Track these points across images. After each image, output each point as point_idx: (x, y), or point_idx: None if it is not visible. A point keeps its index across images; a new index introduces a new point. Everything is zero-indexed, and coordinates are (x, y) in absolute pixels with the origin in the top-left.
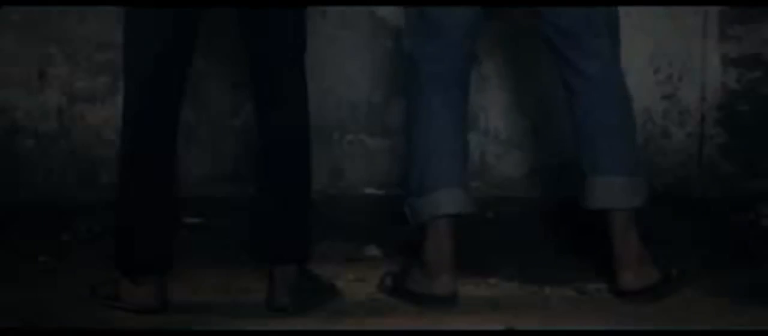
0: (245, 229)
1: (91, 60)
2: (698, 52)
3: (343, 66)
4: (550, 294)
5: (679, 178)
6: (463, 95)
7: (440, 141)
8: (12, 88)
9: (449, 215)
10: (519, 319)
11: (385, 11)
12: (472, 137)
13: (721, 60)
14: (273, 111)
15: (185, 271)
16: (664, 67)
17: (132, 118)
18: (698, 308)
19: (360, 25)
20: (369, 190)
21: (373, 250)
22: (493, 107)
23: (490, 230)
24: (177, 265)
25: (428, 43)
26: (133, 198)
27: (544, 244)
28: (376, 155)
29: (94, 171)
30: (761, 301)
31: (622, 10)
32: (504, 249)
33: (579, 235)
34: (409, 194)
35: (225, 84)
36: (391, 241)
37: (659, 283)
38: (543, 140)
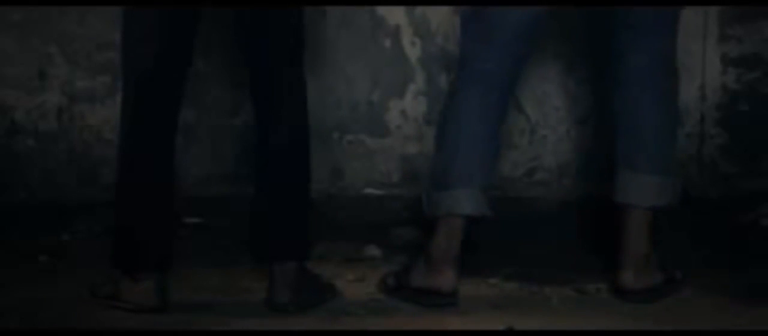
0: (245, 229)
1: (91, 60)
2: (698, 52)
3: (343, 66)
4: (550, 294)
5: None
6: (505, 98)
7: (471, 139)
8: (12, 88)
9: (464, 215)
10: (519, 319)
11: (384, 11)
12: None
13: (721, 60)
14: (272, 111)
15: (185, 271)
16: None
17: (130, 118)
18: (698, 308)
19: (360, 25)
20: (369, 190)
21: (373, 250)
22: None
23: (490, 230)
24: (177, 265)
25: (480, 43)
26: (133, 197)
27: (544, 244)
28: (376, 155)
29: (94, 171)
30: (761, 301)
31: None
32: (504, 249)
33: (579, 235)
34: (430, 184)
35: (225, 84)
36: (391, 242)
37: (660, 285)
38: (542, 140)
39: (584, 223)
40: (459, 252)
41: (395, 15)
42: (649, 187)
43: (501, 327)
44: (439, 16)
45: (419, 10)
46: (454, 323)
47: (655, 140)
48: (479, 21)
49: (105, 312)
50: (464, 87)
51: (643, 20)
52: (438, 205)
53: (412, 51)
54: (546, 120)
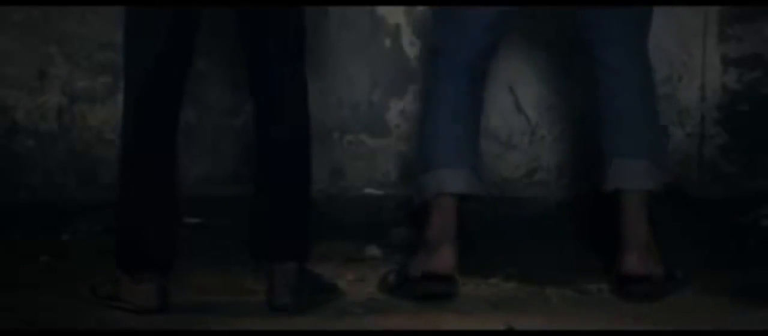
0: (245, 229)
1: (91, 60)
2: (698, 52)
3: (344, 66)
4: (550, 294)
5: (679, 178)
6: (479, 86)
7: (451, 125)
8: (12, 88)
9: (454, 194)
10: (519, 319)
11: (384, 11)
12: None
13: (721, 60)
14: (272, 111)
15: (185, 271)
16: (664, 67)
17: (132, 118)
18: (698, 308)
19: (360, 25)
20: (369, 190)
21: (373, 250)
22: (492, 107)
23: (490, 230)
24: (177, 265)
25: (449, 37)
26: (134, 197)
27: (544, 244)
28: (376, 155)
29: (94, 171)
30: (761, 301)
31: None
32: (504, 249)
33: (579, 235)
34: (418, 172)
35: (225, 84)
36: (391, 241)
37: (661, 278)
38: (542, 140)
39: (584, 223)
40: (456, 233)
41: (395, 15)
42: (637, 171)
43: (501, 327)
44: None
45: (419, 10)
46: (453, 323)
47: (637, 125)
48: (450, 17)
49: (105, 312)
50: (439, 80)
51: (612, 22)
52: (426, 187)
53: (412, 51)
54: (545, 120)
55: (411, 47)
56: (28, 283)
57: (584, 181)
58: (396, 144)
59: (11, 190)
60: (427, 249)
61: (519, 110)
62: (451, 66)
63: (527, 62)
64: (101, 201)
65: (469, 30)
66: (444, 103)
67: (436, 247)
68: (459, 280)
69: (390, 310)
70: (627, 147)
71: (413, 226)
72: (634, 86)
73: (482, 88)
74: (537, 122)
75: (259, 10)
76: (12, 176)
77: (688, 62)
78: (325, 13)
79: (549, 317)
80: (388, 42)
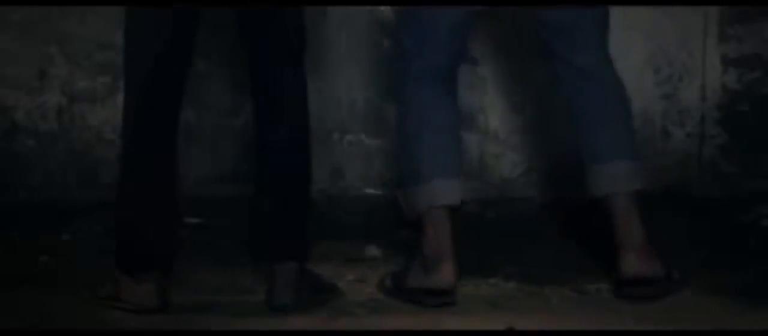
0: (245, 229)
1: (91, 60)
2: (698, 52)
3: (343, 66)
4: (550, 294)
5: (679, 178)
6: (453, 90)
7: (433, 132)
8: (12, 88)
9: (446, 206)
10: (519, 319)
11: (384, 11)
12: (471, 137)
13: (721, 60)
14: (272, 111)
15: (185, 271)
16: (664, 67)
17: (132, 118)
18: (698, 308)
19: (360, 26)
20: (369, 190)
21: (373, 250)
22: (491, 108)
23: (490, 230)
24: (177, 265)
25: (419, 40)
26: (134, 197)
27: (544, 244)
28: (376, 155)
29: (94, 171)
30: (761, 301)
31: (622, 10)
32: (504, 249)
33: (579, 236)
34: (402, 185)
35: (225, 84)
36: (391, 241)
37: (661, 278)
38: (541, 140)
39: (583, 222)
40: (453, 244)
41: (394, 15)
42: (623, 173)
43: (500, 327)
44: None
45: None
46: (453, 323)
47: (611, 126)
48: (415, 22)
49: (105, 312)
50: (412, 85)
51: (579, 23)
52: (416, 202)
53: None
54: (544, 120)
55: None
56: (28, 283)
57: (583, 181)
58: (395, 144)
59: (11, 190)
60: (425, 264)
61: (519, 110)
62: (424, 70)
63: (527, 62)
64: (101, 201)
65: (440, 33)
66: (423, 109)
67: (435, 263)
68: (458, 285)
69: (390, 310)
70: (610, 149)
71: (408, 227)
72: (609, 87)
73: (456, 90)
74: (536, 122)
75: (259, 10)
76: (12, 176)
77: (688, 62)
78: (324, 13)
79: (549, 317)
80: (387, 42)
